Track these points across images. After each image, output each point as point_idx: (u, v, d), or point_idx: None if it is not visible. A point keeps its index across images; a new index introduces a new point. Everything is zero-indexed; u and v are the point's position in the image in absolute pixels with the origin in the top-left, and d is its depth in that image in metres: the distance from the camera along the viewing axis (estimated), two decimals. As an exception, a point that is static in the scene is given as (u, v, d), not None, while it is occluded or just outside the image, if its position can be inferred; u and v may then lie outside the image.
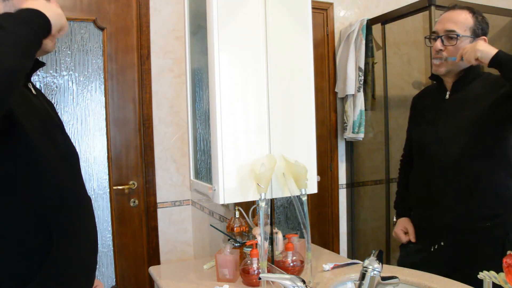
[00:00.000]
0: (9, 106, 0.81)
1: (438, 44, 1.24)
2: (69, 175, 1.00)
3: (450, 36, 1.22)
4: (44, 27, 0.88)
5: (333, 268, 1.44)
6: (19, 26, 0.81)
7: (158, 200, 2.35)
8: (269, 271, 1.47)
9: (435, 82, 1.33)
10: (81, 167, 1.10)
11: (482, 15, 1.23)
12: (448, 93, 1.27)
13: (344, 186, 1.69)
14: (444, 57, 1.24)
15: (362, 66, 1.55)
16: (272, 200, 1.60)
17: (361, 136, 1.58)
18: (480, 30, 1.22)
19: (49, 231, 0.90)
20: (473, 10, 1.23)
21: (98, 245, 1.11)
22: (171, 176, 2.37)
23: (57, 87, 2.14)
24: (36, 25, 0.84)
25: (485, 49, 1.09)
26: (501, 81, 1.16)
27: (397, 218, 1.44)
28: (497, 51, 1.07)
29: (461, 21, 1.22)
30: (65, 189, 0.97)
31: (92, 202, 2.18)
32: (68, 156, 1.03)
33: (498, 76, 1.22)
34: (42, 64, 1.03)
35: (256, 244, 1.46)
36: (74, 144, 1.10)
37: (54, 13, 0.91)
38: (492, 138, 1.17)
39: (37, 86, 2.08)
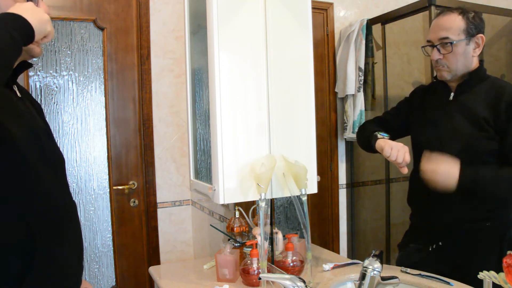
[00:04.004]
0: None
1: (435, 54, 1.22)
2: (52, 180, 0.99)
3: (445, 43, 1.20)
4: (26, 35, 0.84)
5: (333, 268, 1.44)
6: None
7: (158, 200, 2.35)
8: (269, 271, 1.47)
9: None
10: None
11: (473, 12, 1.20)
12: (452, 94, 1.26)
13: (344, 186, 1.69)
14: (445, 65, 1.22)
15: (362, 66, 1.55)
16: (272, 200, 1.60)
17: (361, 136, 1.57)
18: (474, 30, 1.19)
19: (32, 236, 0.89)
20: (462, 10, 1.20)
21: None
22: (171, 176, 2.37)
23: (57, 87, 2.14)
24: (16, 33, 0.81)
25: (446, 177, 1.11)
26: (507, 89, 1.16)
27: (375, 141, 1.31)
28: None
29: (452, 26, 1.19)
30: (48, 194, 0.96)
31: (92, 202, 2.21)
32: (52, 161, 1.01)
33: (504, 83, 1.22)
34: (29, 66, 1.00)
35: (256, 244, 1.46)
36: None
37: (39, 19, 0.87)
38: (492, 141, 1.17)
39: (37, 86, 2.09)
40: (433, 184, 1.13)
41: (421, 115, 1.35)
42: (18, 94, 1.00)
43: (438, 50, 1.22)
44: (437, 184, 1.13)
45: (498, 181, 1.13)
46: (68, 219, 1.02)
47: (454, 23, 1.19)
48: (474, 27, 1.19)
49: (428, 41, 1.25)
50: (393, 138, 1.32)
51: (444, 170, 1.13)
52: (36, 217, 0.91)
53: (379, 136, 1.31)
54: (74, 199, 1.08)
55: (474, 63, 1.22)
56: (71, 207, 1.05)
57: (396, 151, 1.21)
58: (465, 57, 1.21)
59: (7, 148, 0.88)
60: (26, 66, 0.99)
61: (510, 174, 1.12)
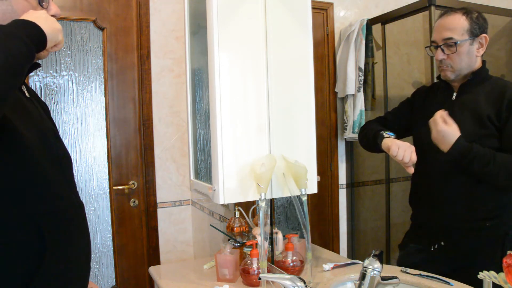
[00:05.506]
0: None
1: (439, 54, 1.23)
2: (61, 180, 0.99)
3: (449, 44, 1.21)
4: (40, 42, 0.85)
5: (333, 268, 1.44)
6: (12, 41, 0.78)
7: (158, 200, 2.35)
8: (269, 271, 1.47)
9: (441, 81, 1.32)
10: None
11: (477, 13, 1.21)
12: (454, 94, 1.26)
13: (344, 186, 1.69)
14: (449, 65, 1.23)
15: (362, 66, 1.55)
16: (272, 200, 1.60)
17: (361, 136, 1.57)
18: (477, 30, 1.20)
19: (41, 237, 0.89)
20: (466, 10, 1.21)
21: (91, 250, 1.10)
22: (171, 176, 2.37)
23: (57, 87, 2.14)
24: (30, 41, 0.82)
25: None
26: (509, 87, 1.17)
27: (381, 141, 1.31)
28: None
29: (456, 26, 1.20)
30: (57, 195, 0.96)
31: (92, 202, 2.21)
32: (60, 161, 1.01)
33: (507, 82, 1.22)
34: (37, 66, 1.00)
35: (256, 244, 1.46)
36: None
37: (52, 28, 0.88)
38: (493, 139, 1.17)
39: (37, 86, 2.09)
40: (433, 134, 1.18)
41: (423, 115, 1.35)
42: (27, 94, 1.00)
43: (442, 50, 1.22)
44: (436, 135, 1.17)
45: (490, 157, 1.13)
46: (77, 219, 1.02)
47: (458, 24, 1.20)
48: (478, 27, 1.20)
49: (432, 42, 1.26)
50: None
51: (448, 127, 1.16)
52: (45, 217, 0.91)
53: (385, 135, 1.31)
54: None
55: (478, 63, 1.23)
56: (79, 207, 1.05)
57: (403, 150, 1.22)
58: (469, 57, 1.21)
59: (17, 149, 0.88)
60: (34, 66, 0.99)
61: (503, 157, 1.13)
